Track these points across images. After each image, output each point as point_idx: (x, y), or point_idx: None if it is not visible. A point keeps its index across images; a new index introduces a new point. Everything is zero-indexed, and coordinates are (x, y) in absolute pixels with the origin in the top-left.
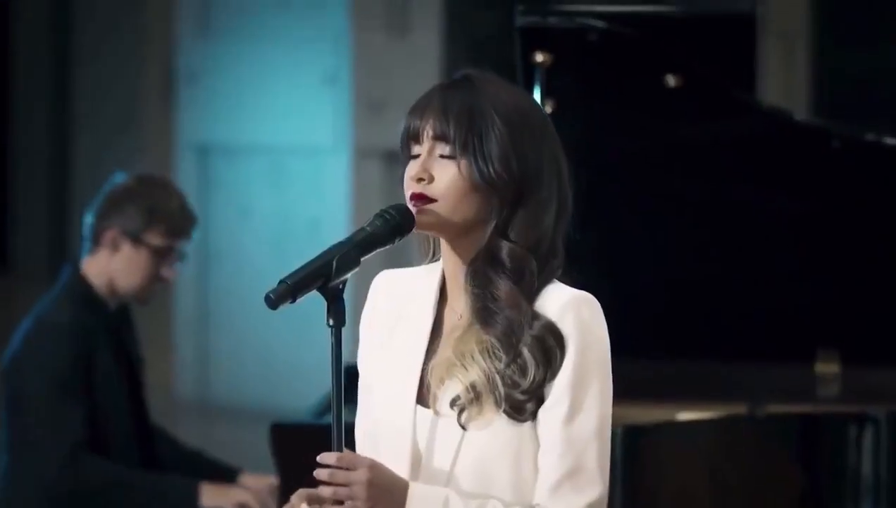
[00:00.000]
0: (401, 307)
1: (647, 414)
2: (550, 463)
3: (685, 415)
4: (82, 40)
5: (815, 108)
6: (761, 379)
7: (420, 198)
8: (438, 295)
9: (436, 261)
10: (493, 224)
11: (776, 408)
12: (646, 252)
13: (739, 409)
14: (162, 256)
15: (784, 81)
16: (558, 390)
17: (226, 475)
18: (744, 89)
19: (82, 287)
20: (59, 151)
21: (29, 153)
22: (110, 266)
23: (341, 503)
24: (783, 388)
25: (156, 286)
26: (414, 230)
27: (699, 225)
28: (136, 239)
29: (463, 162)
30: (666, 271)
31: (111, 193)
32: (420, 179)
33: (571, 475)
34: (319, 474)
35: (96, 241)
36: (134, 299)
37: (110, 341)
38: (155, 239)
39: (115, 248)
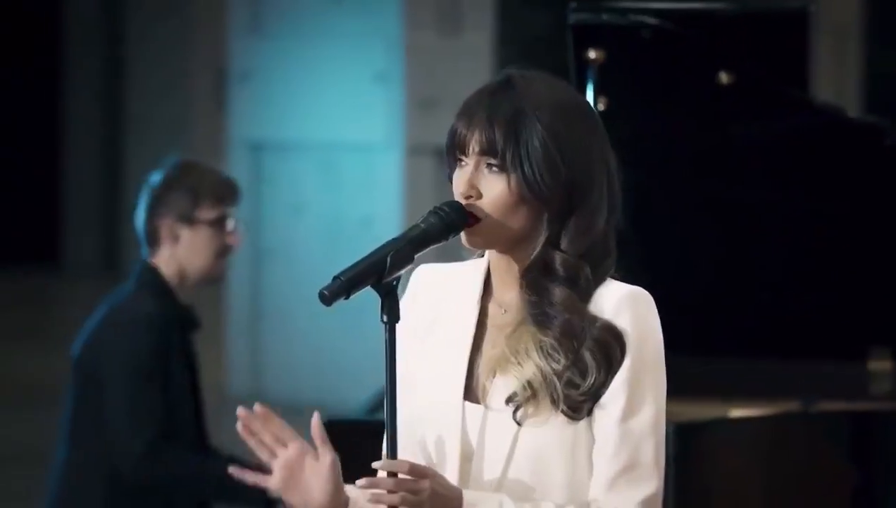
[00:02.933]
0: (441, 303)
1: (700, 411)
2: (606, 459)
3: (738, 412)
4: (133, 40)
5: (868, 105)
6: (814, 377)
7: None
8: (482, 290)
9: (478, 257)
10: (544, 234)
11: (828, 405)
12: (698, 249)
13: (792, 406)
14: (220, 226)
15: (836, 78)
16: (615, 386)
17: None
18: (796, 87)
19: (157, 280)
20: (110, 152)
21: (80, 153)
22: (177, 256)
23: None
24: (835, 385)
25: (227, 259)
26: (467, 247)
27: (751, 222)
28: (191, 220)
29: (513, 177)
30: (721, 269)
31: (152, 190)
32: (468, 197)
33: (627, 470)
34: (385, 483)
35: (155, 239)
36: (210, 279)
37: (180, 338)
38: (208, 213)
39: (174, 238)
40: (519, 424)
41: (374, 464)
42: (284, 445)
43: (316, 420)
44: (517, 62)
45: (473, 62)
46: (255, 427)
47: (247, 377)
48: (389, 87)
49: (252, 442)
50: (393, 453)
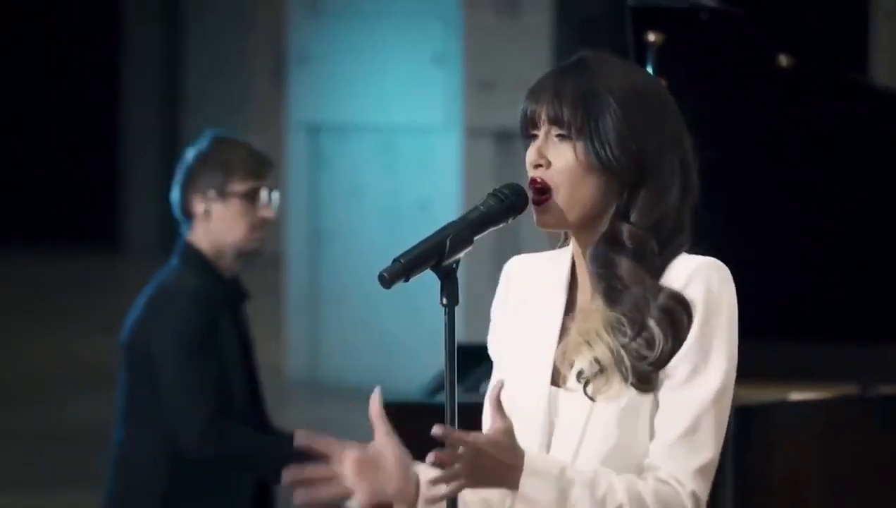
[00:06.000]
0: (531, 292)
1: (758, 394)
2: (667, 423)
3: (796, 395)
4: (192, 22)
5: None
6: (872, 360)
7: (538, 185)
8: (569, 277)
9: (566, 245)
10: (613, 208)
11: (887, 389)
12: (758, 233)
13: (850, 390)
14: (252, 200)
15: (894, 60)
16: (682, 352)
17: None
18: (856, 70)
19: (198, 256)
20: (169, 133)
21: (140, 135)
22: (211, 230)
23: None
24: (894, 369)
25: (262, 232)
26: (537, 226)
27: (811, 206)
28: (223, 193)
29: (579, 145)
30: (779, 253)
31: (186, 166)
32: (538, 165)
33: (686, 436)
34: (434, 459)
35: (189, 214)
36: (246, 252)
37: (229, 311)
38: (238, 186)
39: (207, 212)
40: (592, 399)
41: (434, 431)
42: (342, 460)
43: (375, 399)
44: (575, 43)
45: (532, 43)
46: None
47: (305, 360)
48: (448, 68)
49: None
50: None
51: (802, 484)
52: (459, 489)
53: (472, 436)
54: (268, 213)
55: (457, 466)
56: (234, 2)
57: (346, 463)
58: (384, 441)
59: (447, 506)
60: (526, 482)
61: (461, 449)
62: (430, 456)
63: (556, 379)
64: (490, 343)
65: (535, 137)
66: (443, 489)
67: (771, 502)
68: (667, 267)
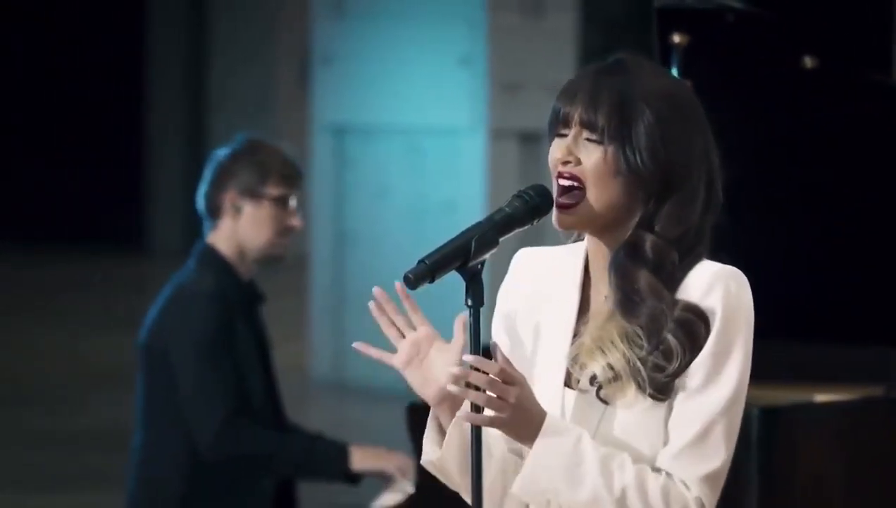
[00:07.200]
0: (543, 287)
1: (784, 396)
2: (677, 430)
3: (822, 397)
4: (217, 24)
5: None
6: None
7: (568, 179)
8: (583, 276)
9: (578, 241)
10: (638, 216)
11: None
12: (783, 234)
13: (876, 391)
14: (283, 206)
15: None
16: (697, 361)
17: None
18: (880, 70)
19: (216, 258)
20: (194, 135)
21: (164, 136)
22: (237, 231)
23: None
24: None
25: (287, 239)
26: (557, 229)
27: (834, 208)
28: (256, 194)
29: (610, 149)
30: (804, 254)
31: (219, 163)
32: (566, 162)
33: (696, 443)
34: (478, 379)
35: (216, 212)
36: (269, 257)
37: (245, 313)
38: (273, 190)
39: (236, 211)
40: (605, 403)
41: (465, 357)
42: (414, 329)
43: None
44: (600, 45)
45: (557, 45)
46: (388, 310)
47: (329, 361)
48: (473, 70)
49: (382, 322)
50: (478, 437)
51: (827, 485)
52: (497, 423)
53: (522, 376)
54: (296, 221)
55: (503, 403)
56: (258, 3)
57: (407, 339)
58: (457, 337)
59: (473, 443)
60: (541, 441)
61: (514, 388)
62: (482, 379)
63: (568, 381)
64: (494, 332)
65: (563, 136)
66: (480, 417)
67: (795, 503)
68: (685, 276)
